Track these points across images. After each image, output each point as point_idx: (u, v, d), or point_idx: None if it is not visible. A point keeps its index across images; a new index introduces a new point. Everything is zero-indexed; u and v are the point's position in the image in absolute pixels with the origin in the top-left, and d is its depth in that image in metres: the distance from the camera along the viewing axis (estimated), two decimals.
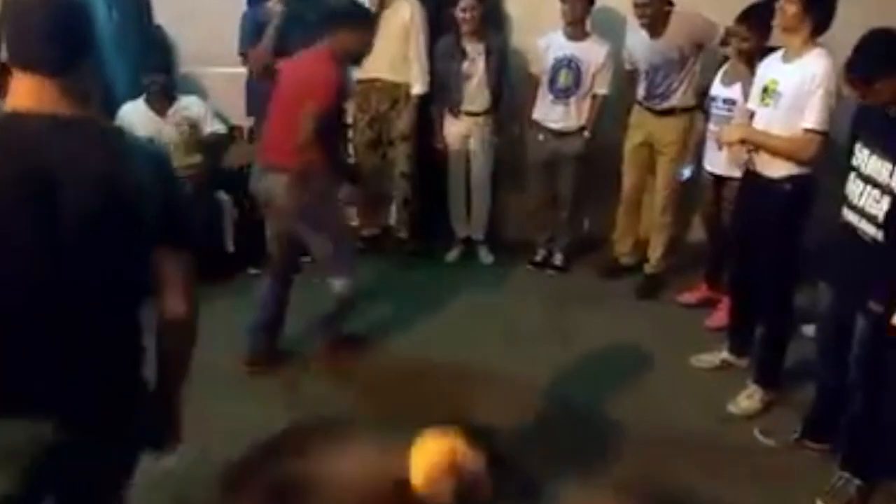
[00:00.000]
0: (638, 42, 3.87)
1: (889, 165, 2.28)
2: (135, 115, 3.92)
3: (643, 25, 3.75)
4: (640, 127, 3.96)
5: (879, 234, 2.32)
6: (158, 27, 4.26)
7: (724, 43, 3.59)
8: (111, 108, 4.08)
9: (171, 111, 4.01)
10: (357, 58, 3.07)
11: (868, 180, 2.35)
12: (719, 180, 3.56)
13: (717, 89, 3.52)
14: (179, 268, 1.46)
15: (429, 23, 4.16)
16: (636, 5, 3.69)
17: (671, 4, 3.76)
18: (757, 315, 3.13)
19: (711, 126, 3.52)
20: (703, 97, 3.72)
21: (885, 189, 2.29)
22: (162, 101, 4.01)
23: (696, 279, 3.94)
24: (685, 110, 3.87)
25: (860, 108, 2.48)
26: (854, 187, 2.40)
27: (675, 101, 3.85)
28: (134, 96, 4.02)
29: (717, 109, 3.51)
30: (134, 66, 4.12)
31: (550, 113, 4.07)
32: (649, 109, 3.91)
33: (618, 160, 4.07)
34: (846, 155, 2.45)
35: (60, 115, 1.35)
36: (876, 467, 2.56)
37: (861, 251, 2.38)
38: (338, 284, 3.13)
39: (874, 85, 2.28)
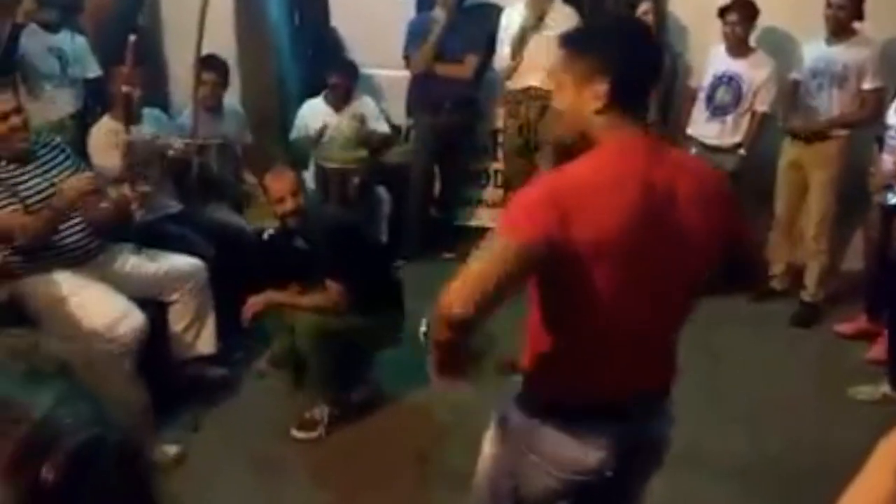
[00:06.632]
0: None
1: None
2: (314, 112, 4.19)
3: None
4: (791, 146, 3.86)
5: None
6: (333, 29, 4.51)
7: None
8: (285, 104, 4.39)
9: (347, 108, 4.23)
10: None
11: None
12: (889, 210, 3.41)
13: (892, 118, 3.39)
14: None
15: None
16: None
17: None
18: None
19: (885, 156, 3.39)
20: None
21: None
22: (342, 99, 4.23)
23: (854, 309, 3.78)
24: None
25: None
26: None
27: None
28: (309, 94, 4.28)
29: (890, 139, 3.38)
30: (310, 65, 4.42)
31: (706, 129, 4.01)
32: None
33: (774, 179, 3.98)
34: None
35: None
36: None
37: None
38: None
39: None
